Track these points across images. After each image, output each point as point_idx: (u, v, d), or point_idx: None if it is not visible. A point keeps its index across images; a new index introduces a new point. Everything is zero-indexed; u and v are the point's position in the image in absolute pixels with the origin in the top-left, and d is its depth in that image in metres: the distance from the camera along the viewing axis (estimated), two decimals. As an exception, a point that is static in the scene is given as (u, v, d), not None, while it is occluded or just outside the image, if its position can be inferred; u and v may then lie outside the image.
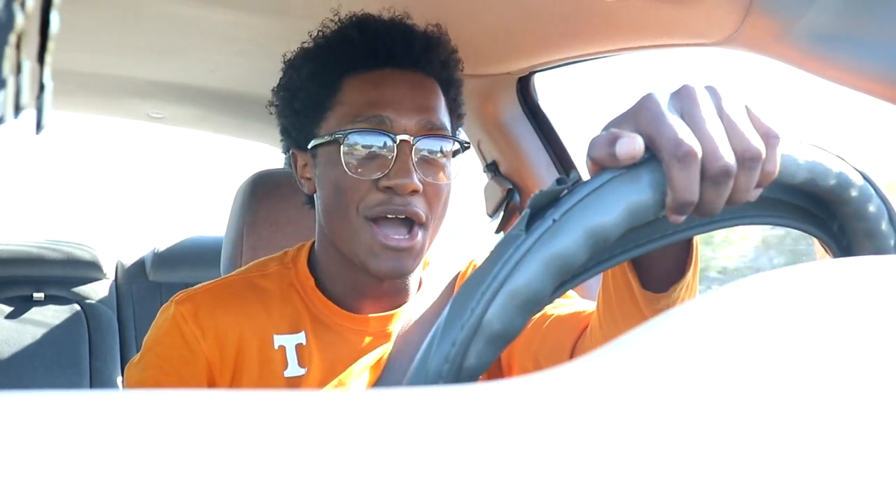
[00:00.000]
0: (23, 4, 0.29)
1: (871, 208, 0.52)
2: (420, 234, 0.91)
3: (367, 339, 0.97)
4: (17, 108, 0.29)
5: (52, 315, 2.29)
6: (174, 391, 0.24)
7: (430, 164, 0.92)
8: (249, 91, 1.90)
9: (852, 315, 0.31)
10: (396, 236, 0.89)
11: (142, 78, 1.86)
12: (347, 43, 0.95)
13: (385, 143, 0.89)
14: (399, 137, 0.89)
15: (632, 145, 0.45)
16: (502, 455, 0.21)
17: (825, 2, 0.81)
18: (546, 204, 0.45)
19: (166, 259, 2.43)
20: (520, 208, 1.58)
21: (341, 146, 0.90)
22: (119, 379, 2.28)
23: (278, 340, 0.94)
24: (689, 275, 0.64)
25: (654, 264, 0.65)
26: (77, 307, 2.32)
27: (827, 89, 0.86)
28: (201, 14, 1.42)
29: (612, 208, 0.44)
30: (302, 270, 0.99)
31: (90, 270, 2.37)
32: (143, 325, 2.37)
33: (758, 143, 0.47)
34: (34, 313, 2.28)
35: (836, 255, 0.55)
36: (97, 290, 2.37)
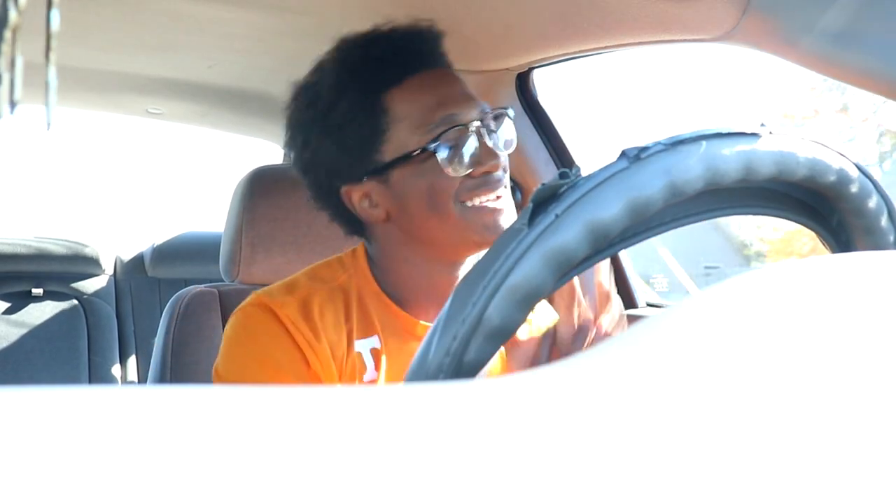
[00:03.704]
0: (16, 0, 0.29)
1: (871, 205, 0.52)
2: (507, 195, 0.99)
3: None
4: (13, 104, 0.29)
5: (50, 310, 2.29)
6: (174, 387, 0.24)
7: (500, 142, 0.98)
8: (248, 87, 1.89)
9: (851, 310, 0.31)
10: (499, 204, 0.97)
11: (141, 74, 1.86)
12: (373, 61, 0.96)
13: (466, 137, 0.94)
14: (472, 126, 0.94)
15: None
16: (502, 452, 0.21)
17: (824, -2, 0.81)
18: (548, 198, 0.45)
19: (165, 254, 2.43)
20: (520, 205, 1.58)
21: (437, 153, 0.93)
22: (118, 373, 2.28)
23: (358, 346, 0.96)
24: None
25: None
26: (76, 302, 2.32)
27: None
28: (200, 10, 1.41)
29: (614, 203, 0.44)
30: (367, 278, 1.01)
31: (89, 266, 2.37)
32: (141, 320, 2.37)
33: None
34: (33, 309, 2.28)
35: (834, 251, 0.55)
36: (96, 286, 2.37)
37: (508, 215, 0.98)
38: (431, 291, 1.00)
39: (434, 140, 0.93)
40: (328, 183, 1.01)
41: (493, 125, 0.97)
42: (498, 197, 0.96)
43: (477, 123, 0.95)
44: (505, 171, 0.99)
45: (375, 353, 0.96)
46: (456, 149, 0.93)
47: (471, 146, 0.94)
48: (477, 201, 0.94)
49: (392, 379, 0.96)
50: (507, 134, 1.00)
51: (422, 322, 0.99)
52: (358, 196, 0.98)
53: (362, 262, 1.02)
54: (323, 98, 0.98)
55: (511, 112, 1.02)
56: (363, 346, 0.96)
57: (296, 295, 0.96)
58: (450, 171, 0.93)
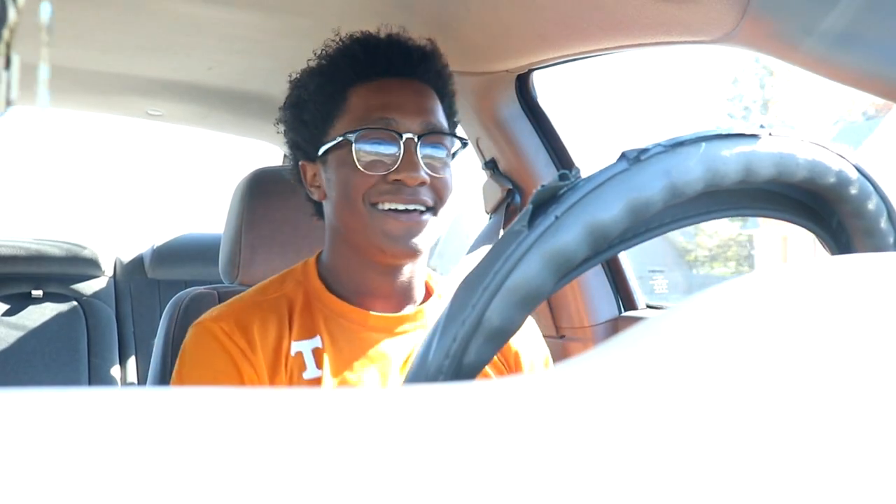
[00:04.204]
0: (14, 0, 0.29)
1: (870, 206, 0.52)
2: (428, 215, 1.00)
3: (376, 336, 1.03)
4: (8, 103, 0.29)
5: (50, 312, 2.29)
6: (171, 389, 0.24)
7: (434, 161, 1.01)
8: (248, 88, 1.90)
9: (851, 312, 0.31)
10: (406, 218, 0.99)
11: (140, 75, 1.86)
12: (351, 58, 1.04)
13: (392, 142, 0.98)
14: (405, 136, 0.98)
15: None
16: (502, 453, 0.21)
17: (823, 1, 0.81)
18: (548, 200, 0.45)
19: (165, 256, 2.43)
20: (519, 209, 1.57)
21: (352, 145, 0.98)
22: (118, 375, 2.28)
23: (295, 347, 1.00)
24: None
25: None
26: (75, 304, 2.32)
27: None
28: (199, 12, 1.42)
29: (614, 205, 0.44)
30: (313, 279, 1.06)
31: (89, 267, 2.37)
32: (141, 322, 2.37)
33: None
34: (33, 310, 2.28)
35: (834, 253, 0.55)
36: (95, 287, 2.37)
37: (422, 237, 0.99)
38: (370, 289, 1.04)
39: (356, 132, 0.99)
40: (293, 155, 1.11)
41: (429, 147, 1.00)
42: (410, 211, 0.98)
43: (410, 135, 0.98)
44: (436, 194, 1.00)
45: (317, 353, 1.00)
46: (374, 147, 0.99)
47: (389, 150, 0.98)
48: (386, 206, 0.98)
49: (339, 372, 1.00)
50: (441, 158, 1.02)
51: (372, 313, 1.03)
52: (310, 173, 1.08)
53: (311, 268, 1.08)
54: (301, 78, 1.08)
55: (461, 143, 1.06)
56: (304, 346, 1.00)
57: (235, 307, 1.02)
58: (361, 166, 0.98)
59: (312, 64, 1.07)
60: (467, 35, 1.34)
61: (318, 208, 1.11)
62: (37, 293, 2.29)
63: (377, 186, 0.98)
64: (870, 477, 0.22)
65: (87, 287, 2.35)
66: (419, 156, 0.98)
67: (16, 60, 0.29)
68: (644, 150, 0.46)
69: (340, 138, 1.00)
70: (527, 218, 0.44)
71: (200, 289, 1.36)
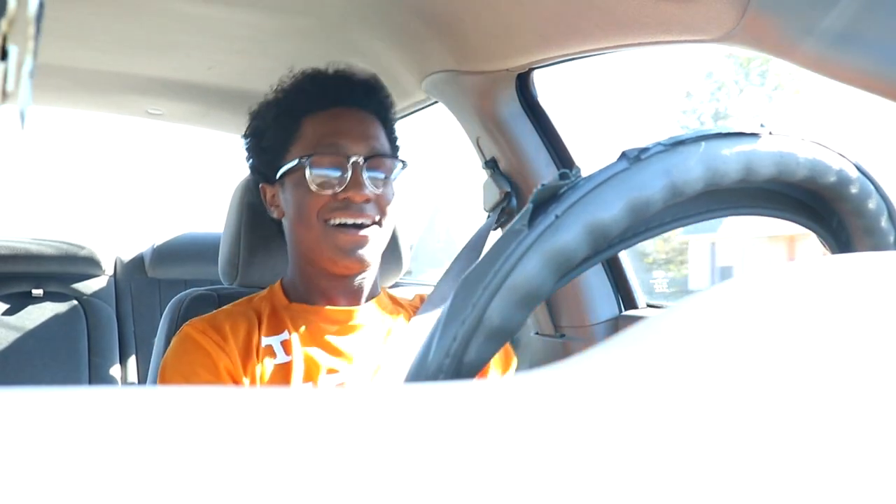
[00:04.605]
0: None
1: (871, 205, 0.52)
2: (374, 229, 1.14)
3: (335, 327, 1.18)
4: (3, 95, 0.29)
5: (50, 311, 2.29)
6: (172, 388, 0.24)
7: (377, 180, 1.15)
8: (248, 87, 1.89)
9: (851, 311, 0.31)
10: (354, 232, 1.12)
11: (140, 74, 1.86)
12: (302, 92, 1.20)
13: (341, 164, 1.12)
14: (352, 159, 1.12)
15: None
16: (502, 452, 0.21)
17: (823, 0, 0.81)
18: (548, 199, 0.45)
19: (165, 255, 2.43)
20: (517, 210, 1.57)
21: (306, 169, 1.12)
22: (118, 374, 2.28)
23: (266, 341, 1.14)
24: None
25: None
26: (76, 303, 2.32)
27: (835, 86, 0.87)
28: (200, 11, 1.42)
29: (614, 204, 0.44)
30: (278, 294, 1.22)
31: (89, 266, 2.37)
32: (141, 321, 2.37)
33: None
34: (33, 310, 2.28)
35: (834, 251, 0.55)
36: (95, 286, 2.37)
37: (369, 249, 1.13)
38: (326, 294, 1.19)
39: (309, 156, 1.12)
40: (254, 178, 1.26)
41: (373, 170, 1.14)
42: (357, 225, 1.12)
43: (356, 157, 1.12)
44: (380, 210, 1.14)
45: (285, 343, 1.14)
46: (325, 170, 1.12)
47: (338, 172, 1.12)
48: (337, 220, 1.12)
49: (306, 357, 1.13)
50: (384, 177, 1.15)
51: (327, 307, 1.18)
52: (269, 195, 1.22)
53: (277, 286, 1.23)
54: (260, 110, 1.25)
55: (402, 164, 1.19)
56: (273, 340, 1.14)
57: (208, 316, 1.16)
58: (314, 186, 1.11)
59: (270, 97, 1.22)
60: (467, 34, 1.33)
61: (279, 227, 1.24)
62: (37, 292, 2.28)
63: (328, 204, 1.11)
64: (869, 476, 0.22)
65: (88, 286, 2.35)
66: (364, 176, 1.12)
67: (13, 52, 0.29)
68: (644, 150, 0.46)
69: (295, 162, 1.13)
70: (527, 217, 0.44)
71: (201, 290, 1.37)
